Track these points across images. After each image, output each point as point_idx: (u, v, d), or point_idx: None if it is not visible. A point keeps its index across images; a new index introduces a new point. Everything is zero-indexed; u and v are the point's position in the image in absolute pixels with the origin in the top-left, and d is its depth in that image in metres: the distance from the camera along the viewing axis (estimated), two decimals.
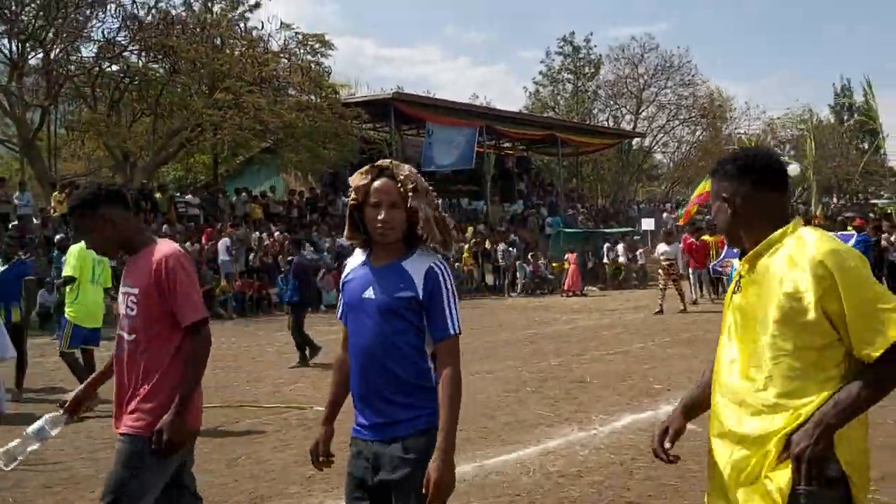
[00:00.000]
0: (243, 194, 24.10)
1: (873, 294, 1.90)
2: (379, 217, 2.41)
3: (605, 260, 25.28)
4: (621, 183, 44.35)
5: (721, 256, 16.40)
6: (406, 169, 2.52)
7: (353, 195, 2.50)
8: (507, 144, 38.41)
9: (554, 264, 24.54)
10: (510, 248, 24.00)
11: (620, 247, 25.10)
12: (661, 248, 16.81)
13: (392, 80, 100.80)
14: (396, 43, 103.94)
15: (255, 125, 23.79)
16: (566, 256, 23.24)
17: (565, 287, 22.24)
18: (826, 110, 61.73)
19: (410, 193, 2.44)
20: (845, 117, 64.61)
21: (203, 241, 20.32)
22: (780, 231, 2.04)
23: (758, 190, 2.08)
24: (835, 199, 60.73)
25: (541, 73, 48.24)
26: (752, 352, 2.05)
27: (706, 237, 17.14)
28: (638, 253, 25.02)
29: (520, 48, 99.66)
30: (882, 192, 66.75)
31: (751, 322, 2.06)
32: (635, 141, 46.00)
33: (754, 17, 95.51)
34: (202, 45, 23.77)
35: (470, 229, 24.65)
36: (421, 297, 2.44)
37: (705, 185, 19.66)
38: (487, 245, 24.68)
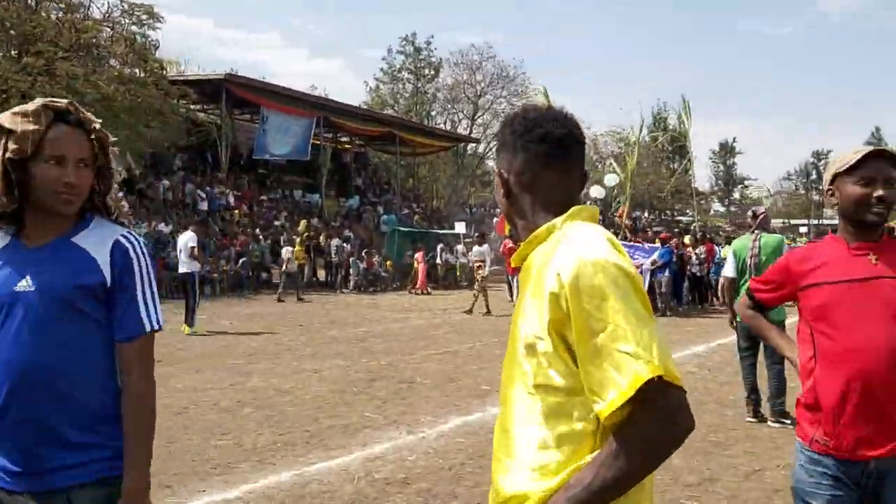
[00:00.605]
0: None
1: (614, 328, 1.34)
2: (65, 178, 1.76)
3: (438, 261, 25.49)
4: (456, 186, 45.11)
5: None
6: (95, 118, 1.89)
7: (13, 145, 1.75)
8: (344, 139, 37.88)
9: (388, 262, 24.39)
10: (344, 244, 23.53)
11: (459, 248, 25.61)
12: (475, 249, 17.18)
13: (228, 64, 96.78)
14: (235, 25, 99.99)
15: (67, 95, 21.64)
16: (415, 255, 23.39)
17: (416, 285, 22.35)
18: (644, 131, 66.18)
19: (104, 150, 1.85)
20: (659, 137, 70.07)
21: None
22: (547, 224, 1.53)
23: (535, 164, 1.56)
24: (646, 214, 65.65)
25: (382, 69, 48.20)
26: (503, 385, 1.58)
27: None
28: (459, 253, 25.54)
29: (361, 46, 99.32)
30: (687, 211, 73.05)
31: (511, 344, 1.57)
32: (471, 146, 47.07)
33: (587, 36, 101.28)
34: (12, 3, 21.36)
35: (303, 222, 23.91)
36: (108, 281, 1.82)
37: None
38: (321, 240, 24.07)
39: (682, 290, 17.45)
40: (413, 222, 32.08)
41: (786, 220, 71.68)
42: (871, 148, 2.30)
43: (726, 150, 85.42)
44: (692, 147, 20.70)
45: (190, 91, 24.72)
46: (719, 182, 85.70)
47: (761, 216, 6.77)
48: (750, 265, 6.52)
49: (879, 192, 2.25)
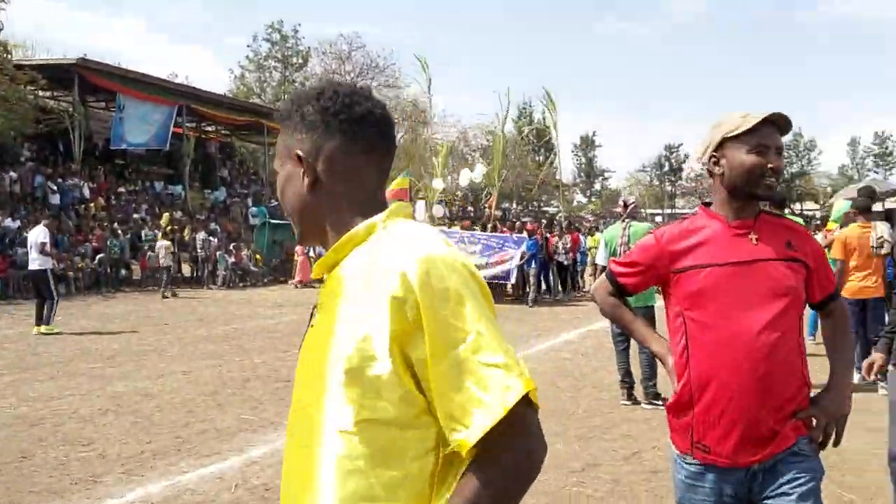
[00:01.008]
0: None
1: (476, 336, 1.12)
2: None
3: (311, 254, 24.97)
4: None
5: None
6: None
7: None
8: (209, 128, 36.37)
9: (258, 256, 23.65)
10: (210, 238, 22.57)
11: None
12: None
13: (83, 50, 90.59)
14: (91, 7, 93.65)
15: None
16: (296, 248, 22.95)
17: (298, 279, 21.91)
18: (510, 124, 67.90)
19: None
20: (525, 130, 72.08)
21: None
22: (367, 223, 1.27)
23: (354, 149, 1.30)
24: (514, 205, 67.41)
25: (247, 57, 46.60)
26: (301, 425, 1.25)
27: None
28: None
29: (226, 33, 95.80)
30: (552, 202, 75.65)
31: (309, 372, 1.26)
32: None
33: (460, 33, 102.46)
34: None
35: (166, 215, 22.75)
36: None
37: (400, 183, 20.02)
38: (185, 233, 22.99)
39: (550, 279, 17.98)
40: (284, 214, 31.26)
41: (641, 210, 75.70)
42: (765, 112, 2.04)
43: (587, 143, 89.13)
44: (557, 139, 21.13)
45: (38, 76, 22.85)
46: (581, 174, 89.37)
47: (631, 205, 7.03)
48: (620, 253, 6.74)
49: (774, 162, 2.04)
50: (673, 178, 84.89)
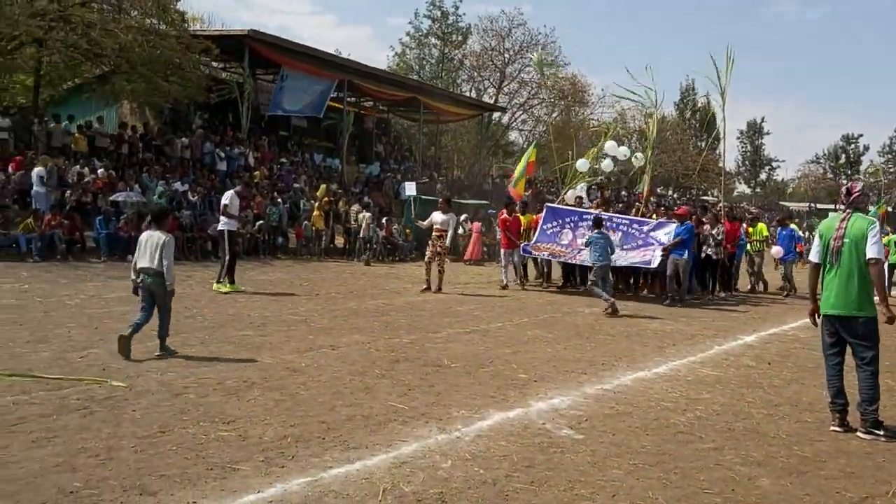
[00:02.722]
0: (66, 123, 21.03)
1: None
2: None
3: (461, 231, 24.56)
4: (478, 155, 44.00)
5: (534, 238, 15.61)
6: None
7: None
8: (368, 104, 36.86)
9: (408, 231, 23.54)
10: (365, 212, 22.64)
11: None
12: (436, 216, 14.17)
13: (251, 26, 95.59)
14: None
15: (84, 44, 20.80)
16: (469, 226, 23.80)
17: (468, 255, 22.45)
18: (671, 107, 64.74)
19: None
20: (688, 115, 68.41)
21: (11, 169, 17.49)
22: None
23: None
24: (671, 192, 64.27)
25: (408, 34, 46.89)
26: None
27: (522, 215, 16.34)
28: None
29: (387, 14, 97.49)
30: (712, 190, 71.52)
31: None
32: (495, 115, 45.85)
33: (618, 13, 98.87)
34: None
35: (323, 187, 23.02)
36: None
37: (532, 155, 18.92)
38: (340, 206, 23.21)
39: (700, 276, 15.51)
40: (434, 191, 31.13)
41: (811, 204, 69.94)
42: None
43: (754, 130, 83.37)
44: (724, 108, 16.60)
45: (212, 45, 23.72)
46: (746, 162, 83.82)
47: (857, 193, 5.78)
48: (832, 249, 5.58)
49: None
50: (850, 172, 77.90)
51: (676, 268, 13.71)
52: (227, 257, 12.50)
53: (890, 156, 76.50)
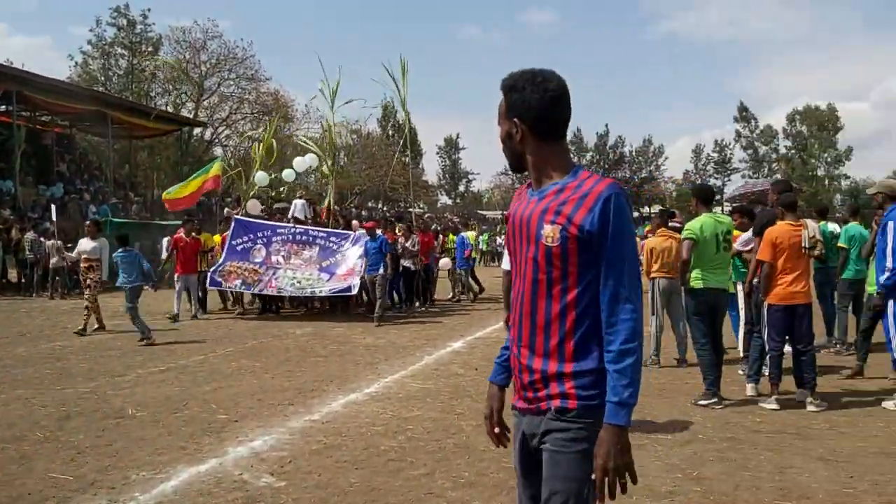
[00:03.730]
0: None
1: None
2: None
3: (164, 255, 22.58)
4: (181, 173, 41.27)
5: (222, 258, 14.11)
6: None
7: None
8: (45, 118, 32.66)
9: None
10: (42, 239, 19.78)
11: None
12: (84, 244, 11.87)
13: None
14: None
15: None
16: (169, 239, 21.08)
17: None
18: (374, 123, 66.87)
19: None
20: (390, 132, 71.18)
21: None
22: None
23: None
24: (380, 205, 66.29)
25: (90, 42, 42.57)
26: None
27: (201, 235, 14.78)
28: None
29: (69, 22, 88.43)
30: (419, 203, 75.18)
31: None
32: (196, 131, 43.48)
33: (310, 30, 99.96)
34: None
35: None
36: None
37: (216, 169, 17.31)
38: (13, 234, 20.06)
39: (400, 287, 15.37)
40: (130, 213, 28.46)
41: (503, 212, 76.62)
42: None
43: (451, 146, 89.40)
44: (408, 118, 17.12)
45: None
46: (446, 175, 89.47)
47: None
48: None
49: None
50: None
51: (375, 283, 13.20)
52: None
53: None
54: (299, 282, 13.60)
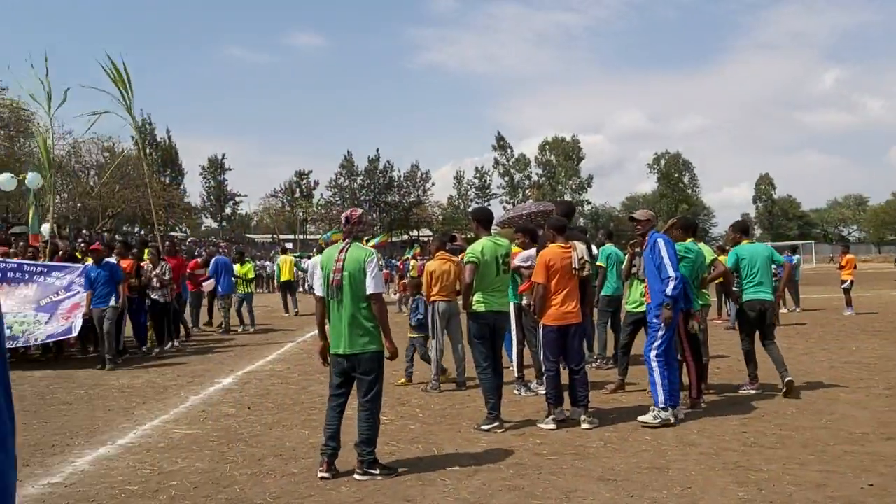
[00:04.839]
0: None
1: None
2: None
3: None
4: None
5: None
6: None
7: None
8: None
9: None
10: None
11: None
12: None
13: None
14: None
15: None
16: None
17: None
18: (129, 141, 62.29)
19: None
20: (148, 150, 66.64)
21: None
22: None
23: None
24: (137, 228, 61.64)
25: None
26: None
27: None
28: None
29: None
30: (179, 226, 70.89)
31: None
32: None
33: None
34: None
35: None
36: None
37: None
38: None
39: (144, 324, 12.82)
40: None
41: (274, 235, 74.74)
42: None
43: (216, 166, 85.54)
44: (135, 125, 14.78)
45: None
46: (211, 197, 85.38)
47: (355, 221, 5.32)
48: (332, 283, 5.24)
49: None
50: (304, 204, 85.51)
51: (103, 320, 10.98)
52: None
53: (336, 189, 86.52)
54: (10, 327, 10.76)
